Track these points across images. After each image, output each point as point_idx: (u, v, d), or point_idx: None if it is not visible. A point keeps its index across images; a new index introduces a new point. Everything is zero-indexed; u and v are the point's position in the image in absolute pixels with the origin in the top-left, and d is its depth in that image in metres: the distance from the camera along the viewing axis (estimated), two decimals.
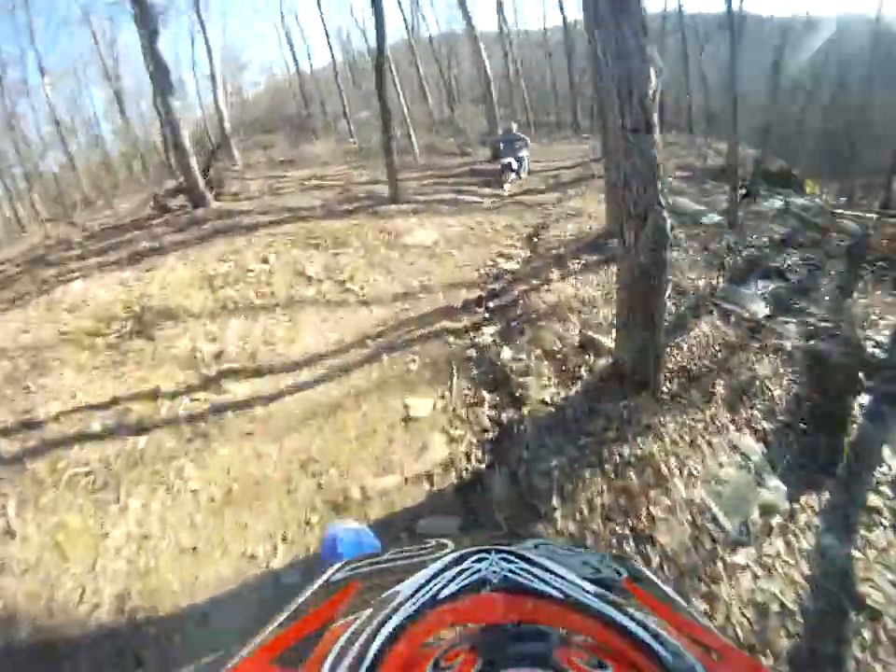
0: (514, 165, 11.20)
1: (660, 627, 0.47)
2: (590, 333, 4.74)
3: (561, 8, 19.66)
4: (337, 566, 0.75)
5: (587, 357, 4.59)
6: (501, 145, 11.72)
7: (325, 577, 0.72)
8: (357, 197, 10.32)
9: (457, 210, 9.61)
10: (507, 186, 10.92)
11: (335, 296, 6.44)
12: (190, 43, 19.05)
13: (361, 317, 5.91)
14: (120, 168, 25.44)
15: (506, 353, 4.79)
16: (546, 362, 4.61)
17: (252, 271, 7.05)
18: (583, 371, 4.45)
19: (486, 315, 5.77)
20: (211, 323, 6.09)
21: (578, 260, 6.70)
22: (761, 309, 5.55)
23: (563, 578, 0.55)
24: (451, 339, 5.27)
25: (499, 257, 7.27)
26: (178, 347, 5.68)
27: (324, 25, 22.78)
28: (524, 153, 11.52)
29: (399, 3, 21.66)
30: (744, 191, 9.57)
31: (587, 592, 0.53)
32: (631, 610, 0.49)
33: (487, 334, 5.29)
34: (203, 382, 5.08)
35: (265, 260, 7.28)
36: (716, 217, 8.36)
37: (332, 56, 23.65)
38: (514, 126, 12.46)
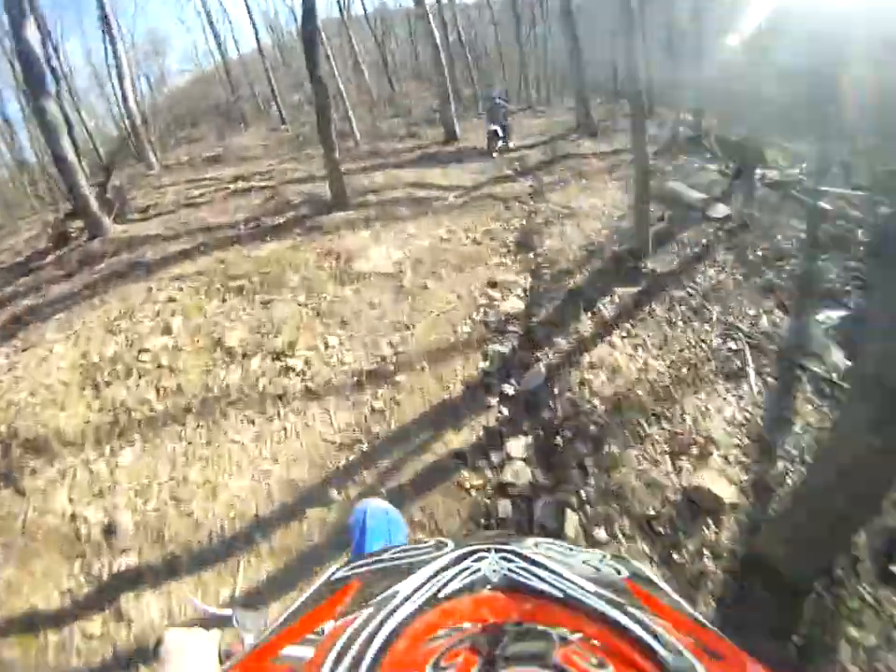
0: (500, 132, 10.05)
1: (660, 627, 0.43)
2: (697, 481, 2.57)
3: None
4: (337, 565, 0.67)
5: (703, 526, 2.42)
6: (486, 112, 10.71)
7: (325, 576, 0.64)
8: (291, 203, 7.69)
9: (418, 211, 7.18)
10: (495, 155, 9.95)
11: (271, 382, 4.04)
12: (101, 34, 14.53)
13: (314, 428, 3.58)
14: (42, 179, 21.27)
15: (571, 520, 2.59)
16: (645, 546, 2.41)
17: (149, 350, 4.52)
18: (706, 561, 2.28)
19: (503, 408, 3.51)
20: (96, 457, 3.71)
21: (608, 297, 4.45)
22: (840, 360, 3.62)
23: (563, 577, 0.51)
24: (464, 475, 3.01)
25: (492, 288, 4.96)
26: (55, 512, 3.36)
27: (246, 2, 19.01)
28: (508, 120, 10.31)
29: None
30: (732, 170, 7.73)
31: (587, 591, 0.49)
32: (631, 610, 0.45)
33: (517, 458, 3.06)
34: (95, 591, 2.90)
35: (167, 329, 4.74)
36: (722, 209, 6.22)
37: (256, 33, 19.90)
38: (496, 92, 11.06)
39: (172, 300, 5.16)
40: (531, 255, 5.61)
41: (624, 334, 4.10)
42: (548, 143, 11.08)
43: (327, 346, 4.33)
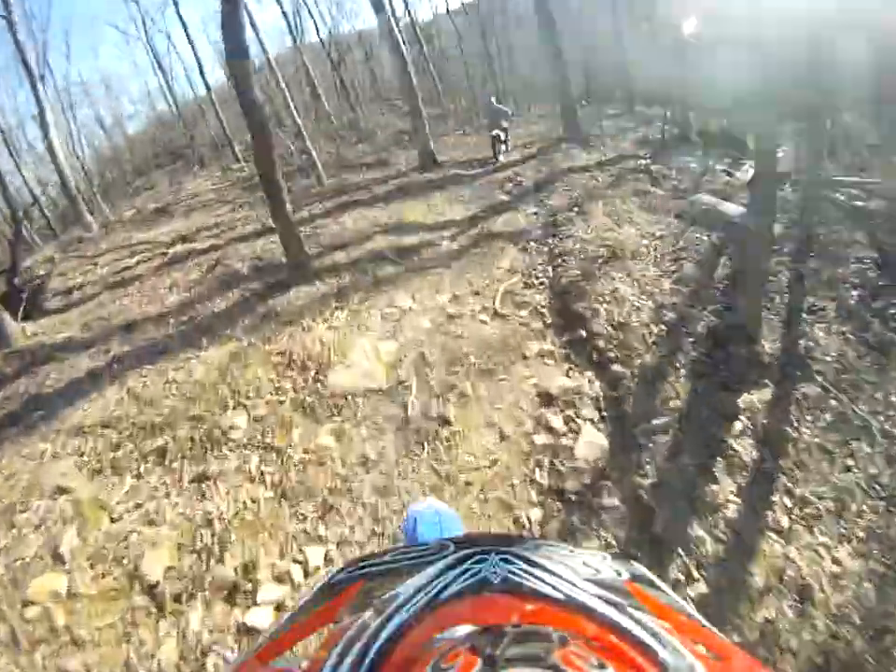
0: (503, 136, 9.27)
1: (660, 628, 0.41)
2: None
3: None
4: (338, 567, 0.63)
5: None
6: (487, 117, 10.07)
7: (327, 578, 0.61)
8: (238, 274, 5.68)
9: (408, 268, 5.25)
10: (500, 158, 9.23)
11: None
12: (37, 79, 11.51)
13: None
14: None
15: None
16: None
17: (35, 603, 2.53)
18: None
19: None
20: None
21: (734, 418, 2.65)
22: None
23: (563, 578, 0.48)
24: None
25: (547, 407, 3.07)
26: None
27: (188, 38, 16.75)
28: (505, 124, 9.36)
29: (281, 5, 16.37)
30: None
31: (588, 593, 0.46)
32: (631, 611, 0.43)
33: None
34: None
35: (57, 555, 2.74)
36: (775, 227, 4.56)
37: (200, 68, 17.67)
38: (494, 99, 9.83)
39: (63, 489, 3.13)
40: (582, 332, 3.72)
41: (789, 501, 2.28)
42: (537, 156, 9.25)
43: (306, 571, 2.39)
